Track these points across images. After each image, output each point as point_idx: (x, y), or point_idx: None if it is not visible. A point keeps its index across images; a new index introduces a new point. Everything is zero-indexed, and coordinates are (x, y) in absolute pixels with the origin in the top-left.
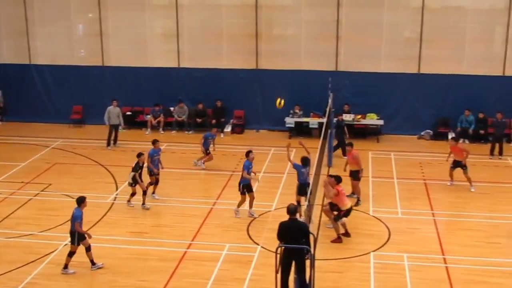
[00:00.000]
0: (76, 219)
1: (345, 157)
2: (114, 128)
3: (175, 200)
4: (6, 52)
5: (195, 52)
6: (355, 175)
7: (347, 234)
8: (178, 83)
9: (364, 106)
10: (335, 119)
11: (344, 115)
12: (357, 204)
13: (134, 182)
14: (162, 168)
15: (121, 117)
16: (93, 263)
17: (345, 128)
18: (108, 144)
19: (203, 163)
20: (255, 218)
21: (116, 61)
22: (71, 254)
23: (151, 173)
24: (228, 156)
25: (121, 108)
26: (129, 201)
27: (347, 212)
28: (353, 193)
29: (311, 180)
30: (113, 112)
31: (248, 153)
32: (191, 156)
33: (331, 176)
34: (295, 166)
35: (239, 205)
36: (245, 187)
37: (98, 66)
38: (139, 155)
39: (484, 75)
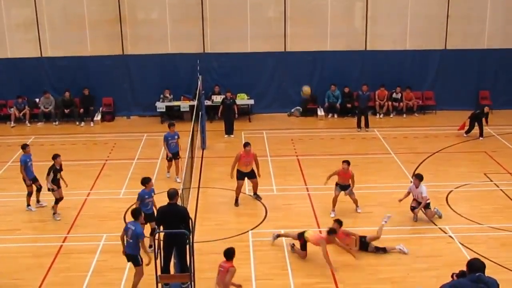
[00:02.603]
0: None
1: (227, 136)
2: None
3: (47, 194)
4: None
5: (57, 41)
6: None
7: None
8: (41, 73)
9: (234, 86)
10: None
11: (214, 96)
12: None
13: (57, 185)
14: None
15: None
16: None
17: (235, 107)
18: None
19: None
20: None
21: None
22: None
23: (167, 157)
24: (100, 145)
25: None
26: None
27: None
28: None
29: (184, 164)
30: None
31: (169, 125)
32: (59, 147)
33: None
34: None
35: (167, 169)
36: (169, 156)
37: None
38: (54, 157)
39: (347, 50)
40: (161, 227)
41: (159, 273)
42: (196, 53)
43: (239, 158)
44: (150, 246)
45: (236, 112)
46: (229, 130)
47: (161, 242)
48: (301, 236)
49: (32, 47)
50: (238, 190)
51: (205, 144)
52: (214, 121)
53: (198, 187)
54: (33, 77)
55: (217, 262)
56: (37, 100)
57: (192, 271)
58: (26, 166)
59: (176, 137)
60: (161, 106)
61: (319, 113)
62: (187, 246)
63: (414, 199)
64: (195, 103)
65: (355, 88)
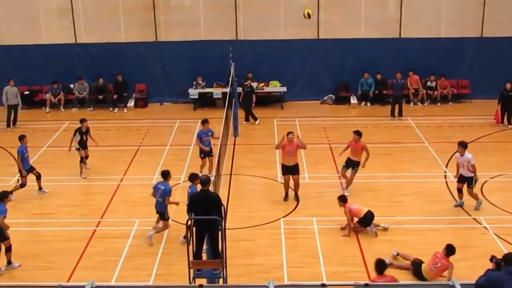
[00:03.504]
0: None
1: (245, 122)
2: (12, 108)
3: (80, 179)
4: None
5: (91, 27)
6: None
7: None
8: (75, 59)
9: (266, 74)
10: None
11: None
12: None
13: (81, 146)
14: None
15: (19, 96)
16: (9, 262)
17: (253, 95)
18: (8, 125)
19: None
20: None
21: (9, 40)
22: (8, 249)
23: (200, 155)
24: (133, 131)
25: (17, 88)
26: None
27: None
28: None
29: (217, 151)
30: (11, 92)
31: (203, 122)
32: (92, 133)
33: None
34: None
35: (201, 168)
36: (203, 154)
37: None
38: (82, 120)
39: (380, 38)
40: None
41: (191, 259)
42: (229, 40)
43: (283, 147)
44: (185, 237)
45: (254, 101)
46: (246, 117)
47: (194, 228)
48: (416, 268)
49: (67, 33)
50: (286, 185)
51: (238, 131)
52: None
53: (230, 174)
54: (67, 63)
55: (248, 249)
56: (71, 86)
57: (224, 258)
58: (23, 157)
59: (209, 133)
60: (193, 93)
61: (352, 101)
62: (219, 233)
63: (459, 173)
64: (227, 90)
65: (388, 75)
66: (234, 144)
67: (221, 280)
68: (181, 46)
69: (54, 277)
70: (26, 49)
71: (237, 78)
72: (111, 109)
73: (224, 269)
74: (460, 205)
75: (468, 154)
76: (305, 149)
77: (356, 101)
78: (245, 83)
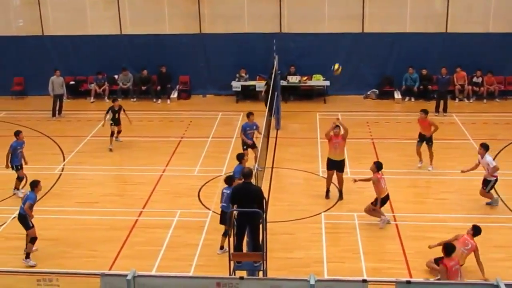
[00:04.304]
0: (28, 199)
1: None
2: (58, 98)
3: (123, 169)
4: None
5: (136, 18)
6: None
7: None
8: (120, 50)
9: (310, 67)
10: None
11: (289, 77)
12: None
13: (114, 122)
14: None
15: (65, 86)
16: (28, 256)
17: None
18: (54, 115)
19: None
20: (206, 183)
21: (56, 30)
22: (32, 240)
23: (243, 147)
24: (176, 122)
25: (63, 78)
26: (116, 138)
27: (384, 201)
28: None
29: (260, 144)
30: (57, 82)
31: (248, 115)
32: (136, 123)
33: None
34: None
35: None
36: (245, 146)
37: (37, 36)
38: (114, 100)
39: (426, 32)
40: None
41: (231, 251)
42: (272, 32)
43: (329, 139)
44: (222, 248)
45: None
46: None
47: (235, 221)
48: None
49: (112, 24)
50: (328, 181)
51: (280, 124)
52: (289, 102)
53: (272, 168)
54: (112, 54)
55: (288, 242)
56: (116, 76)
57: (265, 251)
58: (14, 153)
59: (254, 127)
60: (236, 85)
61: (395, 96)
62: (260, 226)
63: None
64: (270, 83)
65: (433, 71)
66: (276, 138)
67: (260, 273)
68: (224, 39)
69: (96, 265)
70: (72, 40)
71: (280, 71)
72: (154, 100)
73: (265, 262)
74: (491, 204)
75: (487, 156)
76: (346, 130)
77: (400, 96)
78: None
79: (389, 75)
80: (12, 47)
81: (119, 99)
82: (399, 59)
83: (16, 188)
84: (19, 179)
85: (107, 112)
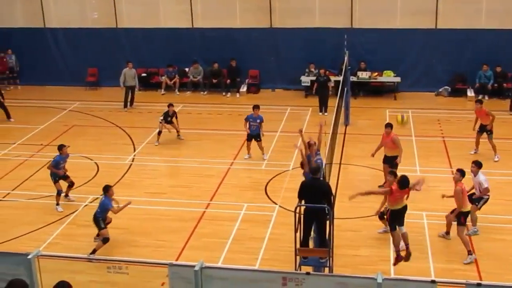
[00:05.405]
0: (106, 206)
1: (320, 113)
2: (130, 89)
3: (192, 161)
4: (20, 17)
5: (208, 12)
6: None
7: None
8: (191, 43)
9: (380, 63)
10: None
11: (360, 72)
12: None
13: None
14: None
15: (137, 78)
16: (93, 252)
17: (329, 84)
18: (125, 106)
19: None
20: (273, 177)
21: (129, 22)
22: (105, 240)
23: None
24: (245, 115)
25: (135, 69)
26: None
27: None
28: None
29: (328, 139)
30: (129, 74)
31: (253, 107)
32: (205, 116)
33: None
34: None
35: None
36: (248, 137)
37: (111, 28)
38: (170, 105)
39: (502, 28)
40: (303, 201)
41: (298, 246)
42: (343, 27)
43: (382, 138)
44: None
45: (330, 90)
46: (322, 108)
47: (302, 216)
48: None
49: (184, 17)
50: (385, 175)
51: (349, 120)
52: (359, 97)
53: (340, 164)
54: (183, 47)
55: (353, 239)
56: (186, 69)
57: (331, 247)
58: (56, 167)
59: (258, 120)
60: (306, 80)
61: (468, 93)
62: (327, 222)
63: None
64: (340, 78)
65: (508, 68)
66: (345, 134)
67: (326, 269)
68: (295, 33)
69: (164, 255)
70: (145, 32)
71: (350, 66)
72: (224, 93)
73: (331, 258)
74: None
75: (481, 175)
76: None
77: (473, 94)
78: (319, 73)
79: (462, 72)
80: (87, 39)
81: (173, 105)
82: (472, 55)
83: (57, 203)
84: (58, 193)
85: (162, 116)
